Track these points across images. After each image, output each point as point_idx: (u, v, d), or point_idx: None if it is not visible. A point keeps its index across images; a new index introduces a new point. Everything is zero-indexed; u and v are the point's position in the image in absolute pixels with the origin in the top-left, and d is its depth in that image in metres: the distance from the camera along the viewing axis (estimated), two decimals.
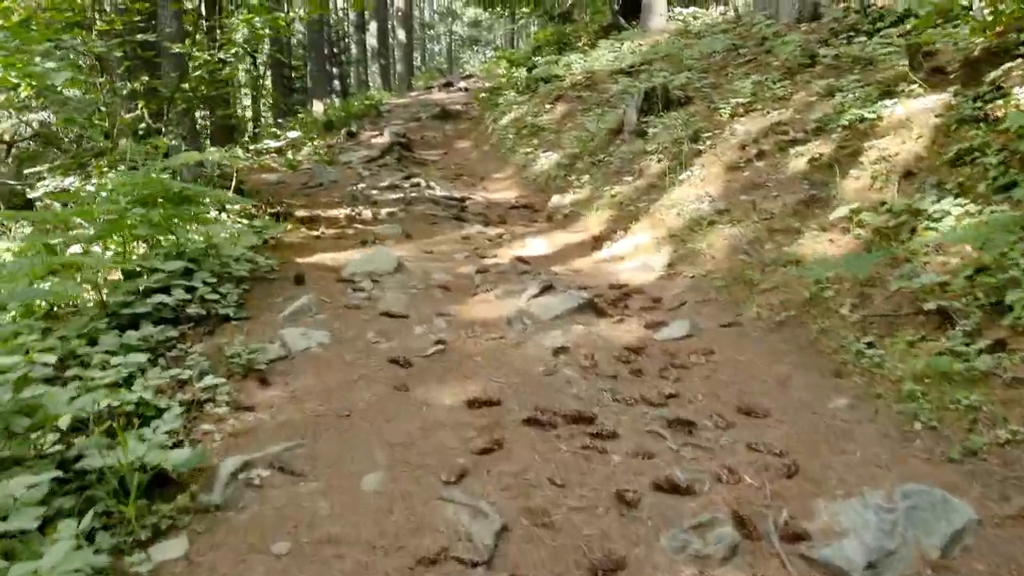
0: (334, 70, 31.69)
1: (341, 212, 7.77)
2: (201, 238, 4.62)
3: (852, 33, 8.32)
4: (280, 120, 22.15)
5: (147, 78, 6.41)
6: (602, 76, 12.53)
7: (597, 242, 6.36)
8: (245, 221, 6.31)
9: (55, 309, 4.11)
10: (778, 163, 6.29)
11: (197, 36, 6.88)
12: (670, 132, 7.69)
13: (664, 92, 8.26)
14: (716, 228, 5.57)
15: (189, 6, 8.63)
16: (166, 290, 4.07)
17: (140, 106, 6.37)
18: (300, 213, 7.56)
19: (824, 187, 5.52)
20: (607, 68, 12.75)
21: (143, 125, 6.36)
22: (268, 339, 4.04)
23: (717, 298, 4.70)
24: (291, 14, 7.24)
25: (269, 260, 5.32)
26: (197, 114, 8.11)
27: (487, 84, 28.95)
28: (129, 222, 4.10)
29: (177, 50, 6.43)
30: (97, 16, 5.74)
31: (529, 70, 15.39)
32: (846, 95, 6.52)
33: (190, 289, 4.17)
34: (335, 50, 30.08)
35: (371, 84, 30.45)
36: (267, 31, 7.00)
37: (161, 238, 4.52)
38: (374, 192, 8.96)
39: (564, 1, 22.89)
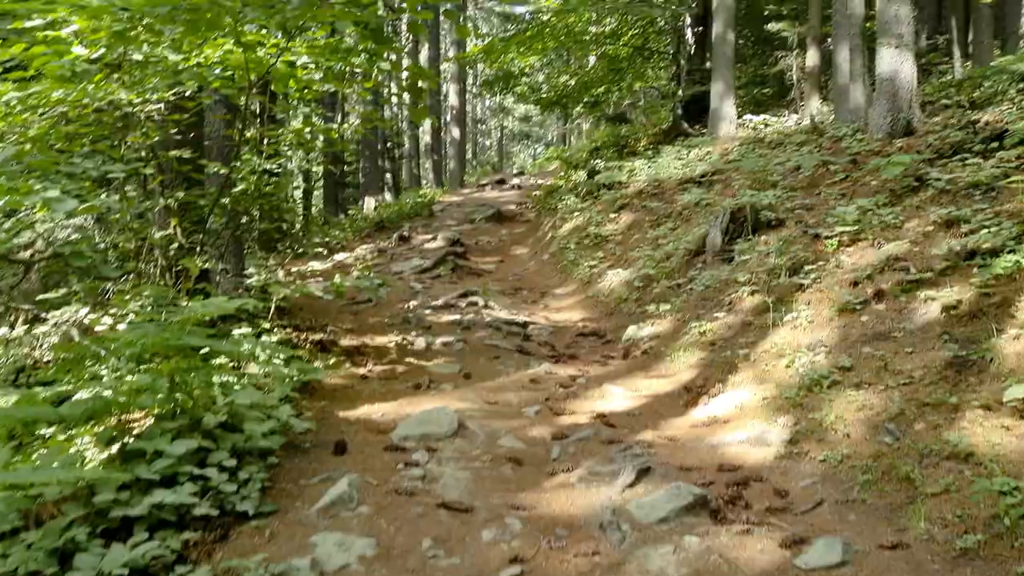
0: (387, 164, 31.73)
1: (391, 340, 6.96)
2: (224, 404, 3.79)
3: (960, 153, 7.47)
4: (331, 218, 21.85)
5: (182, 193, 5.75)
6: (670, 185, 11.80)
7: (690, 394, 5.41)
8: (282, 357, 5.50)
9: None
10: (903, 308, 5.34)
11: (243, 148, 6.23)
12: (762, 260, 6.81)
13: (753, 213, 7.42)
14: (841, 392, 4.60)
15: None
16: (171, 481, 3.22)
17: (173, 224, 5.69)
18: (346, 341, 6.77)
19: (973, 346, 4.55)
20: (675, 177, 12.02)
21: (175, 245, 5.66)
22: (296, 550, 3.14)
23: (865, 499, 3.69)
24: (345, 125, 6.64)
25: (305, 418, 4.48)
26: (244, 218, 7.42)
27: (541, 182, 28.62)
28: (124, 400, 3.30)
29: (216, 170, 5.79)
30: (132, 128, 5.11)
31: (590, 174, 14.77)
32: (976, 229, 5.61)
33: (201, 478, 3.31)
34: (388, 145, 30.16)
35: (423, 180, 30.37)
36: (319, 143, 6.38)
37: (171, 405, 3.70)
38: (427, 312, 8.17)
39: (620, 102, 22.55)
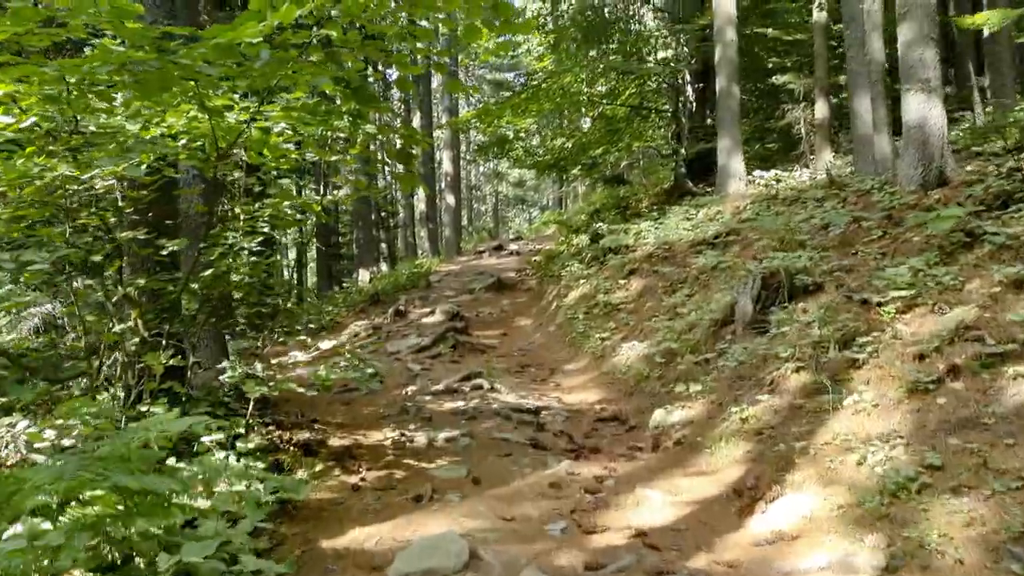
0: (381, 234, 31.18)
1: (387, 436, 6.12)
2: (171, 565, 2.94)
3: (1013, 204, 6.79)
4: (320, 298, 21.12)
5: (143, 280, 5.00)
6: (681, 248, 11.10)
7: (742, 499, 4.57)
8: (261, 466, 4.67)
9: None
10: (987, 388, 4.55)
11: (216, 225, 5.50)
12: (804, 331, 6.02)
13: (788, 277, 6.66)
14: (937, 499, 3.77)
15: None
16: None
17: (133, 315, 4.92)
18: (336, 440, 5.93)
19: None
20: (686, 238, 11.33)
21: (135, 340, 4.88)
22: None
23: None
24: (331, 196, 5.95)
25: (282, 552, 3.63)
26: (223, 303, 6.66)
27: (539, 247, 28.02)
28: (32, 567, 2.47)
29: (194, 253, 5.06)
30: (81, 208, 4.39)
31: (593, 238, 14.11)
32: None
33: None
34: (383, 214, 29.66)
35: (419, 248, 29.79)
36: (302, 216, 5.66)
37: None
38: (427, 399, 7.35)
39: (618, 163, 22.07)
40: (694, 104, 15.47)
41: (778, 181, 12.53)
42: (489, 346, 10.75)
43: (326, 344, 10.08)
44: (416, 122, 28.29)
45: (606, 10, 15.77)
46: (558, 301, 12.58)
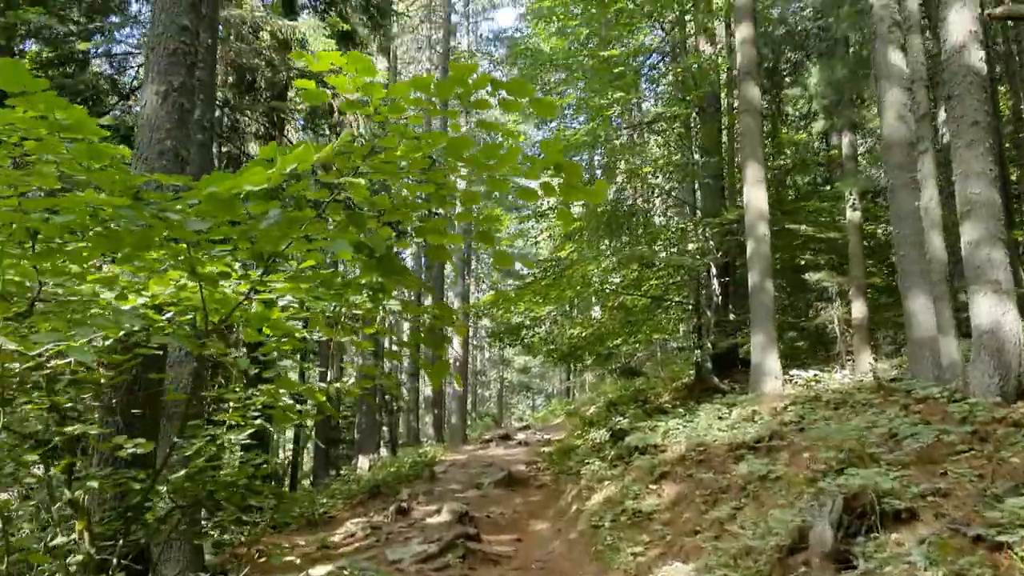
0: (384, 418, 30.04)
1: None
2: None
3: None
4: (321, 480, 19.76)
5: (96, 483, 4.01)
6: (719, 451, 10.03)
7: None
8: None
9: None
10: None
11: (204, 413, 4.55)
12: (909, 573, 4.89)
13: (876, 500, 5.60)
14: None
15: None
16: None
17: (79, 527, 3.90)
18: None
19: None
20: (721, 440, 10.29)
21: (77, 558, 3.83)
22: None
23: None
24: (336, 384, 5.04)
25: None
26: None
27: (548, 436, 26.77)
28: None
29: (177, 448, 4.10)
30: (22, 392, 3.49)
31: (615, 435, 13.05)
32: None
33: None
34: (387, 398, 28.66)
35: (423, 435, 28.54)
36: (299, 408, 4.73)
37: None
38: None
39: (633, 354, 21.31)
40: (720, 297, 14.89)
41: (817, 382, 11.64)
42: (503, 554, 9.45)
43: (317, 572, 8.65)
44: (427, 301, 28.02)
45: (627, 203, 15.58)
46: (579, 504, 11.33)
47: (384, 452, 30.04)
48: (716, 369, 15.75)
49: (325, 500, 14.11)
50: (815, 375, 11.73)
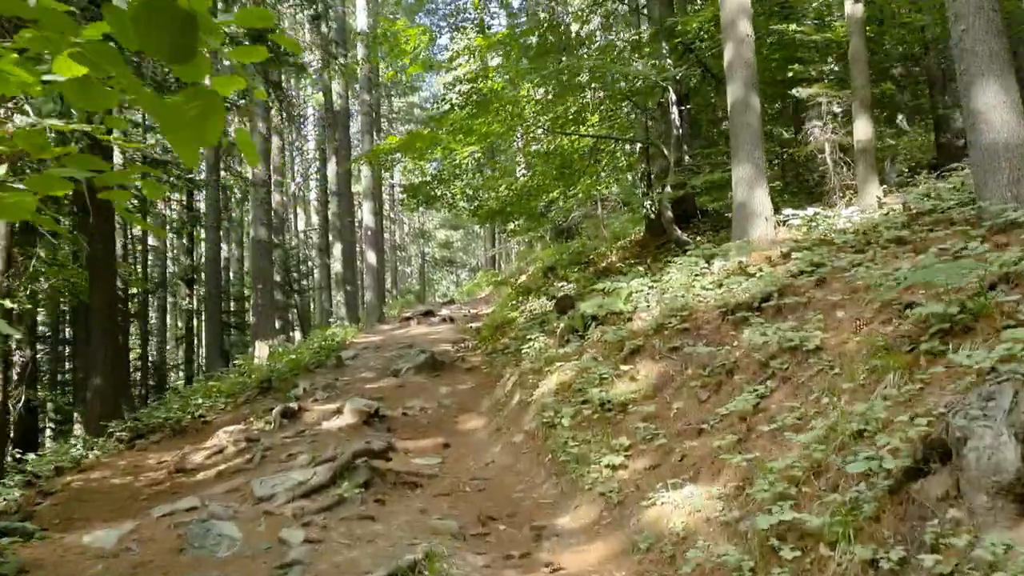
0: (293, 299, 26.90)
1: None
2: None
3: None
4: (213, 372, 16.78)
5: None
6: (708, 316, 7.49)
7: None
8: None
9: None
10: None
11: None
12: None
13: None
14: None
15: None
16: None
17: None
18: None
19: None
20: (709, 302, 7.74)
21: None
22: None
23: None
24: None
25: None
26: None
27: (475, 311, 24.23)
28: None
29: None
30: None
31: (561, 305, 10.44)
32: None
33: None
34: (292, 276, 25.47)
35: (335, 315, 25.64)
36: None
37: None
38: None
39: (569, 211, 18.57)
40: (679, 130, 12.11)
41: (816, 222, 9.11)
42: (425, 473, 6.82)
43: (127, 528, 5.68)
44: (331, 168, 24.47)
45: (568, 16, 12.38)
46: (522, 392, 8.75)
47: (294, 335, 27.14)
48: (682, 218, 13.22)
49: (201, 400, 11.22)
50: (815, 214, 9.19)
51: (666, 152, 12.37)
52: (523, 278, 27.61)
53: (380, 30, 11.98)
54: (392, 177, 46.36)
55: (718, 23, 11.33)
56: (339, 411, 8.62)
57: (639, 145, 14.60)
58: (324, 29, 24.16)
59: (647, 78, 11.66)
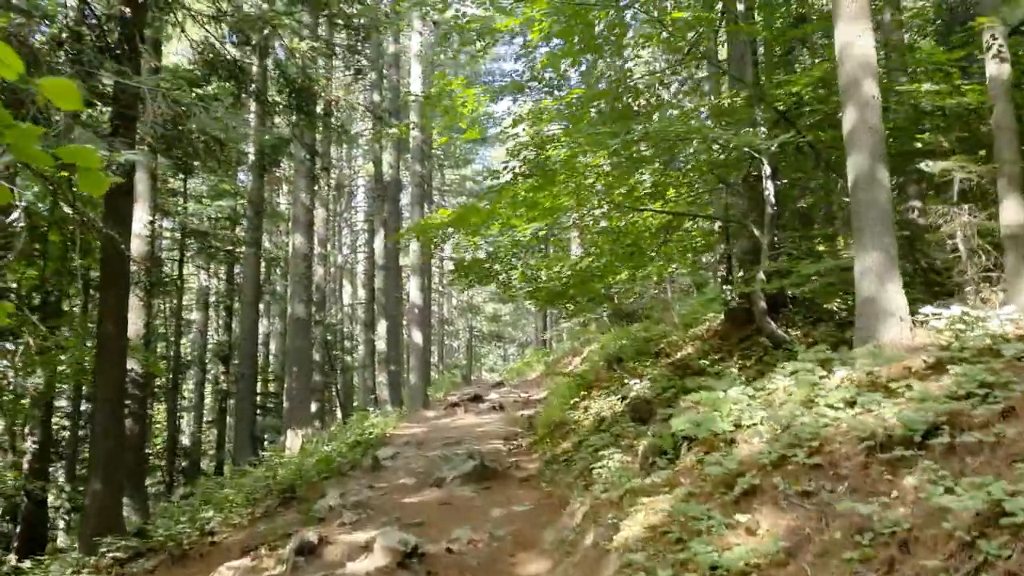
0: (334, 378, 25.42)
1: None
2: None
3: None
4: (242, 463, 15.26)
5: None
6: (847, 448, 5.70)
7: None
8: None
9: None
10: None
11: None
12: None
13: None
14: None
15: None
16: None
17: None
18: None
19: None
20: (847, 428, 5.96)
21: None
22: None
23: None
24: None
25: None
26: None
27: (526, 395, 22.45)
28: None
29: None
30: None
31: (637, 412, 8.71)
32: None
33: None
34: (333, 354, 24.08)
35: (378, 396, 24.08)
36: None
37: None
38: None
39: (638, 295, 16.90)
40: (774, 208, 10.47)
41: (966, 324, 7.29)
42: None
43: None
44: (379, 241, 23.25)
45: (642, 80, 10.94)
46: (597, 530, 6.96)
47: (336, 412, 25.61)
48: (745, 312, 11.51)
49: (212, 514, 9.62)
50: (961, 313, 7.37)
51: (756, 232, 10.70)
52: (577, 361, 25.82)
53: (435, 88, 10.67)
54: (442, 249, 45.43)
55: (826, 85, 9.82)
56: (368, 547, 6.94)
57: (717, 224, 12.99)
58: (376, 97, 23.32)
59: (738, 148, 10.11)
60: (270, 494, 10.51)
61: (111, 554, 8.65)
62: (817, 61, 10.54)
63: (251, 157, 17.53)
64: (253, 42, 10.10)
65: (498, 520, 8.36)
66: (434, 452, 12.78)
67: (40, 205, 9.59)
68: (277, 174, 19.17)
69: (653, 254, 12.71)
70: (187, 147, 9.70)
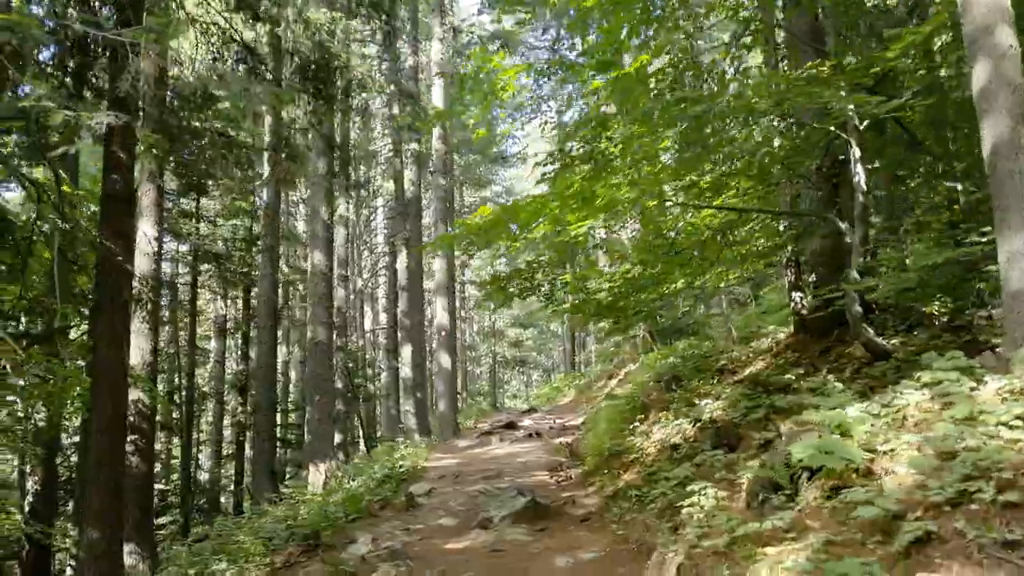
0: (356, 407, 24.05)
1: None
2: None
3: None
4: (261, 501, 13.87)
5: None
6: None
7: None
8: None
9: None
10: None
11: None
12: None
13: None
14: None
15: None
16: None
17: None
18: None
19: None
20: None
21: None
22: None
23: None
24: None
25: None
26: None
27: (561, 421, 20.97)
28: None
29: None
30: None
31: (721, 437, 7.29)
32: None
33: None
34: (355, 381, 22.72)
35: (404, 425, 22.66)
36: None
37: None
38: None
39: (689, 309, 15.44)
40: (863, 195, 9.04)
41: None
42: None
43: None
44: (401, 261, 21.94)
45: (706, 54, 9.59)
46: None
47: (358, 444, 24.24)
48: (824, 320, 10.12)
49: (223, 565, 8.23)
50: None
51: (842, 226, 9.27)
52: (613, 384, 24.34)
53: (472, 67, 9.34)
54: (463, 275, 44.12)
55: (928, 52, 8.47)
56: None
57: (782, 224, 11.57)
58: (395, 110, 22.18)
59: (822, 126, 8.76)
60: (291, 539, 9.12)
61: None
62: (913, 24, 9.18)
63: (266, 171, 16.33)
64: (261, 10, 8.88)
65: (565, 573, 6.92)
66: (474, 487, 11.36)
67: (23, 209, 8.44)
68: (294, 188, 17.99)
69: (713, 260, 11.31)
70: (194, 138, 8.47)
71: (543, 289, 11.79)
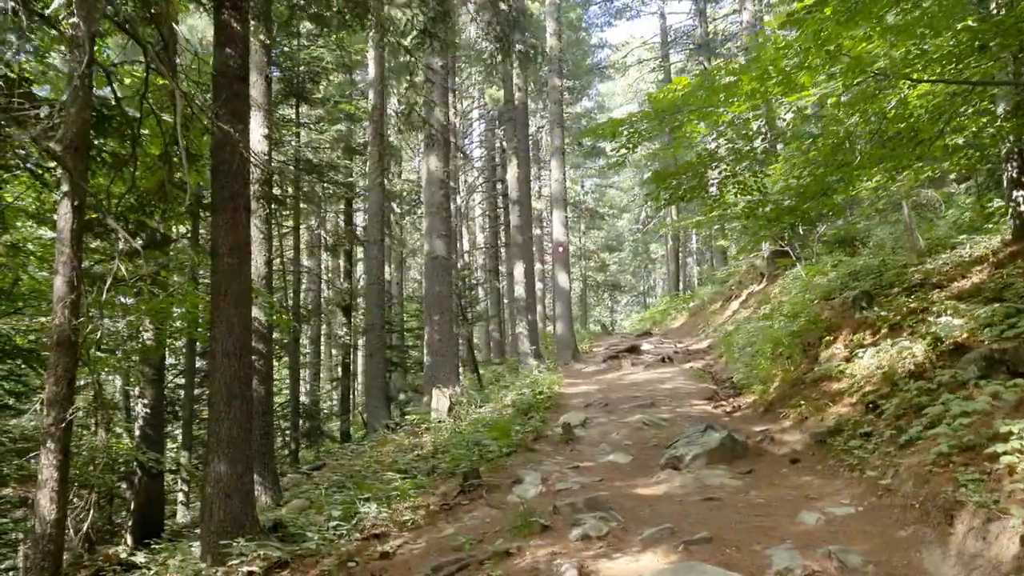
0: (465, 331, 22.80)
1: None
2: None
3: None
4: (375, 428, 12.72)
5: None
6: None
7: None
8: None
9: None
10: None
11: None
12: None
13: None
14: None
15: None
16: None
17: None
18: None
19: None
20: None
21: None
22: None
23: None
24: None
25: None
26: None
27: (683, 346, 19.32)
28: None
29: None
30: None
31: (993, 361, 5.53)
32: None
33: None
34: (463, 303, 21.35)
35: (517, 350, 21.30)
36: None
37: None
38: None
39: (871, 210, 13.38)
40: None
41: None
42: None
43: None
44: (511, 172, 20.25)
45: None
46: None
47: (465, 378, 23.15)
48: None
49: (373, 508, 6.94)
50: None
51: None
52: (735, 306, 22.46)
53: None
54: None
55: None
56: None
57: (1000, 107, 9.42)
58: (503, 6, 20.20)
59: None
60: (439, 478, 7.82)
61: (245, 568, 6.12)
62: None
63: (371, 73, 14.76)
64: None
65: (817, 533, 5.34)
66: (632, 417, 9.89)
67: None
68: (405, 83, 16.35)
69: (925, 151, 9.28)
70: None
71: (711, 190, 10.01)
